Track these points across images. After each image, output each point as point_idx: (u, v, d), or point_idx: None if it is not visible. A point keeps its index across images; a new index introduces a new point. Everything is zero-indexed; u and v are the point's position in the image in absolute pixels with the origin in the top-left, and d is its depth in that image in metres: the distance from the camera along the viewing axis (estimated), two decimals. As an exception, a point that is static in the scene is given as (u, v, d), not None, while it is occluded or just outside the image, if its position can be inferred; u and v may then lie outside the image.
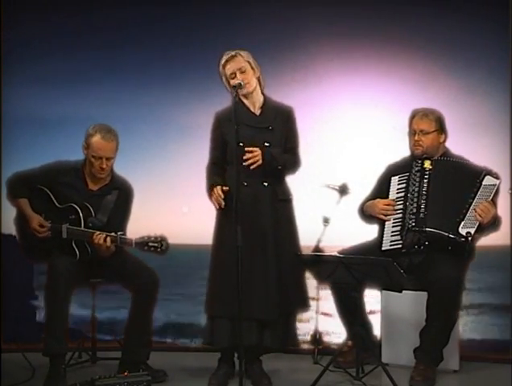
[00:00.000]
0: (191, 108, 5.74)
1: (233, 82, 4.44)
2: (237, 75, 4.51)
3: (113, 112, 5.85)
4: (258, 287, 4.43)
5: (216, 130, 4.63)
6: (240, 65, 4.53)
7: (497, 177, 4.70)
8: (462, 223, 4.62)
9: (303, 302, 4.63)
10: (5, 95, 5.70)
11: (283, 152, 4.59)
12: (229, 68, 4.53)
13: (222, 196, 4.42)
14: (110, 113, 5.84)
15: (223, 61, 4.55)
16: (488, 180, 4.66)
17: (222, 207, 4.42)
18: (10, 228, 5.17)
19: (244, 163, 4.40)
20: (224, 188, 4.44)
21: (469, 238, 4.57)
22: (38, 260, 4.90)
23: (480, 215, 4.60)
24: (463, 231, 4.60)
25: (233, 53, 4.54)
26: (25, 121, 5.90)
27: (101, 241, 4.55)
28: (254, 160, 4.43)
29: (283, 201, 4.61)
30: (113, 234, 4.57)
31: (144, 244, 4.53)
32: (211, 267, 4.61)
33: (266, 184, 4.53)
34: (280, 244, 4.54)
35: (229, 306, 4.42)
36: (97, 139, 4.68)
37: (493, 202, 4.66)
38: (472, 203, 4.64)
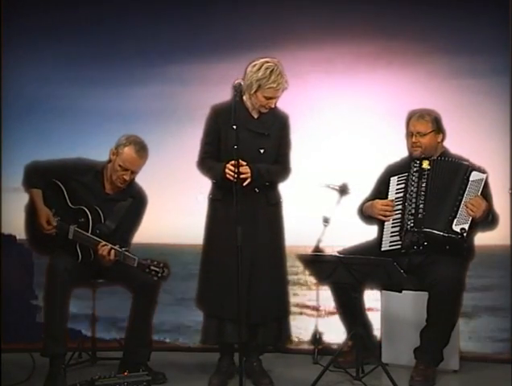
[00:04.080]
0: (191, 104, 5.73)
1: (235, 83, 4.41)
2: (272, 100, 4.49)
3: (112, 108, 5.85)
4: (246, 289, 4.44)
5: (213, 125, 4.58)
6: (279, 95, 4.52)
7: (483, 171, 4.73)
8: (455, 220, 4.65)
9: (283, 307, 4.65)
10: (5, 88, 5.69)
11: (275, 159, 4.59)
12: (271, 92, 4.46)
13: (234, 169, 4.30)
14: (110, 108, 5.84)
15: (270, 81, 4.44)
16: (474, 175, 4.71)
17: (236, 178, 4.28)
18: (10, 228, 5.18)
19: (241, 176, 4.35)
20: (232, 162, 4.33)
21: (464, 234, 4.60)
22: (41, 252, 4.87)
23: (471, 210, 4.64)
24: (457, 228, 4.63)
25: (285, 86, 4.48)
26: (25, 117, 5.89)
27: (105, 253, 4.54)
28: (245, 176, 4.39)
29: (274, 205, 4.64)
30: (117, 248, 4.55)
31: (146, 266, 4.49)
32: (202, 263, 4.63)
33: (257, 190, 4.52)
34: (268, 246, 4.57)
35: (219, 305, 4.49)
36: (129, 151, 4.67)
37: (484, 196, 4.68)
38: (461, 199, 4.67)
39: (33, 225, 4.71)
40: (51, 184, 4.73)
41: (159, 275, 4.49)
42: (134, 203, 4.79)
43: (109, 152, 4.74)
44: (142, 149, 4.70)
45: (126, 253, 4.55)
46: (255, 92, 4.47)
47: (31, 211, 4.72)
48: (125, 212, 4.75)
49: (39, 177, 4.73)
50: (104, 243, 4.56)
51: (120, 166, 4.68)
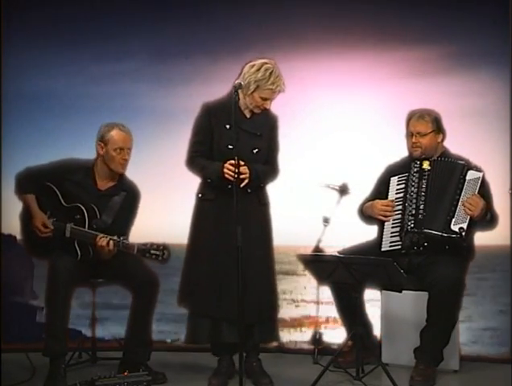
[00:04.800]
0: (188, 101, 5.73)
1: (236, 83, 4.41)
2: (267, 101, 4.49)
3: (113, 106, 5.85)
4: (241, 288, 4.44)
5: (205, 123, 4.56)
6: (275, 97, 4.52)
7: (479, 170, 4.73)
8: (453, 220, 4.66)
9: (274, 304, 4.66)
10: (5, 87, 5.68)
11: (266, 159, 4.60)
12: (269, 93, 4.46)
13: (234, 169, 4.28)
14: (111, 107, 5.85)
15: (269, 83, 4.43)
16: (471, 174, 4.71)
17: (236, 177, 4.27)
18: (10, 228, 5.17)
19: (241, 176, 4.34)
20: (231, 162, 4.33)
21: (463, 233, 4.60)
22: (39, 257, 4.89)
23: (469, 209, 4.64)
24: (455, 227, 4.64)
25: (283, 88, 4.47)
26: (26, 116, 5.89)
27: (104, 244, 4.55)
28: (244, 177, 4.38)
29: (264, 205, 4.64)
30: (115, 238, 4.57)
31: (146, 251, 4.52)
32: (190, 262, 4.62)
33: (249, 191, 4.51)
34: (260, 246, 4.57)
35: (210, 304, 4.49)
36: (116, 132, 4.72)
37: (481, 194, 4.68)
38: (459, 199, 4.68)
39: (30, 231, 4.73)
40: (44, 187, 4.75)
41: (160, 258, 4.51)
42: (127, 196, 4.80)
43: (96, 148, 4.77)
44: (124, 127, 4.76)
45: (125, 241, 4.57)
46: (252, 92, 4.47)
47: (27, 217, 4.74)
48: (120, 206, 4.77)
49: (31, 182, 4.75)
50: (102, 235, 4.58)
51: (115, 149, 4.70)
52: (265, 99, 4.49)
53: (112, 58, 5.90)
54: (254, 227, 4.54)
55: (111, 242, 4.55)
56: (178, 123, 5.74)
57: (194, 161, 4.59)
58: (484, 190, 4.73)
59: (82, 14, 5.83)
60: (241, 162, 4.34)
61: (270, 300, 4.63)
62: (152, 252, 4.51)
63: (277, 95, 4.51)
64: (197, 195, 4.63)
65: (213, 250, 4.53)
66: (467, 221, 4.65)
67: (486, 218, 4.71)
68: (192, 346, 4.84)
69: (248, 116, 4.58)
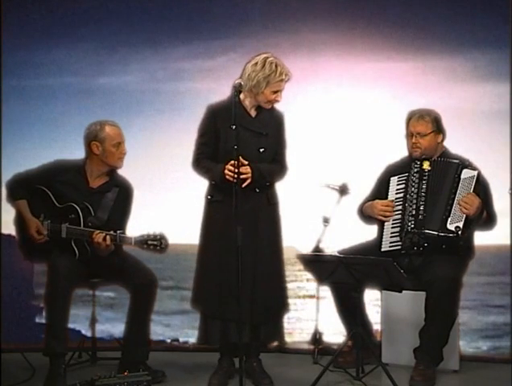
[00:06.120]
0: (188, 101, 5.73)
1: (235, 82, 4.41)
2: (278, 93, 4.49)
3: (114, 103, 5.86)
4: (249, 289, 4.46)
5: (210, 125, 4.56)
6: (283, 86, 4.51)
7: (474, 168, 4.73)
8: (449, 219, 4.65)
9: (283, 305, 4.66)
10: (5, 85, 5.68)
11: (273, 158, 4.59)
12: (279, 85, 4.46)
13: (234, 169, 4.28)
14: (111, 103, 5.85)
15: (278, 74, 4.43)
16: (465, 173, 4.71)
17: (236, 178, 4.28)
18: (10, 228, 5.17)
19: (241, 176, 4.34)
20: (232, 162, 4.32)
21: (459, 232, 4.60)
22: (38, 261, 4.90)
23: (465, 208, 4.64)
24: (451, 226, 4.64)
25: (290, 75, 4.48)
26: (25, 115, 5.89)
27: (100, 240, 4.55)
28: (245, 177, 4.39)
29: (273, 205, 4.64)
30: (112, 232, 4.57)
31: (143, 242, 4.52)
32: (201, 264, 4.62)
33: (257, 190, 4.52)
34: (270, 245, 4.57)
35: (221, 306, 4.49)
36: (110, 128, 4.72)
37: (476, 193, 4.68)
38: (454, 198, 4.68)
39: (25, 236, 4.73)
40: (36, 191, 4.74)
41: (158, 247, 4.51)
42: (120, 191, 4.80)
43: (87, 148, 4.76)
44: (114, 122, 4.77)
45: (122, 235, 4.57)
46: (263, 89, 4.46)
47: (21, 224, 4.74)
48: (114, 202, 4.77)
49: (21, 188, 4.75)
50: (98, 231, 4.57)
51: (113, 145, 4.70)
52: (276, 91, 4.49)
53: (109, 54, 5.91)
54: (263, 227, 4.54)
55: (108, 237, 4.55)
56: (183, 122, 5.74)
57: (200, 163, 4.59)
58: (480, 189, 4.72)
59: (82, 13, 5.84)
60: (244, 162, 4.35)
61: (279, 300, 4.63)
62: (150, 242, 4.51)
63: (285, 84, 4.51)
64: (206, 197, 4.63)
65: (223, 251, 4.52)
66: (463, 220, 4.65)
67: (482, 216, 4.71)
68: (191, 346, 4.84)
69: (253, 115, 4.58)
